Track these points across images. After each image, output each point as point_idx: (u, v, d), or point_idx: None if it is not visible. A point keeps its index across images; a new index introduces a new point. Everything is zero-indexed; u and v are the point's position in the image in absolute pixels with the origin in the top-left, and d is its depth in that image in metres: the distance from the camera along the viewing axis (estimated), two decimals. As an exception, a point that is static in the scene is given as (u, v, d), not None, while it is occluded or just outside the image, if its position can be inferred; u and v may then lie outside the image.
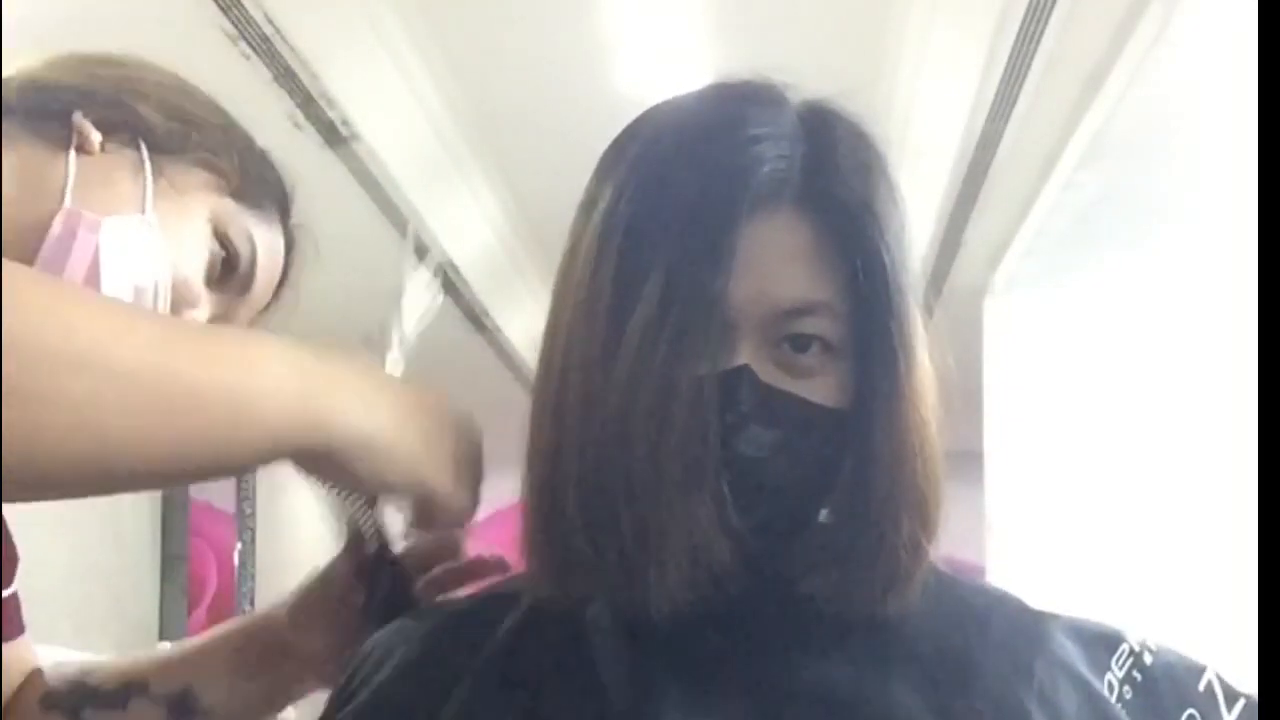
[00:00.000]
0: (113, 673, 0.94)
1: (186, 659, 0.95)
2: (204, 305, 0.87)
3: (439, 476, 0.76)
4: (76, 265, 0.80)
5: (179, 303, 0.84)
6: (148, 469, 0.62)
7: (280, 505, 5.17)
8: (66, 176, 0.81)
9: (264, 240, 0.89)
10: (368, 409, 0.71)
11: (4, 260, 0.56)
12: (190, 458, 0.63)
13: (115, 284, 0.81)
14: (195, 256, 0.86)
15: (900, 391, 0.69)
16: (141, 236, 0.82)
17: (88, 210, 0.81)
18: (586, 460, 0.67)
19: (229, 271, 0.87)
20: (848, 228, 0.69)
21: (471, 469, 0.79)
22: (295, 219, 0.94)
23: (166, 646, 0.99)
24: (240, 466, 0.68)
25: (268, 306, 0.92)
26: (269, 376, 0.66)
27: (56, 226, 0.80)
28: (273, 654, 0.94)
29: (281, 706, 0.97)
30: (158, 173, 0.84)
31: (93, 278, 0.80)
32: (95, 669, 0.95)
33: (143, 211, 0.83)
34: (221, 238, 0.87)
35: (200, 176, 0.86)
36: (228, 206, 0.87)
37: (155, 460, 0.62)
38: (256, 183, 0.89)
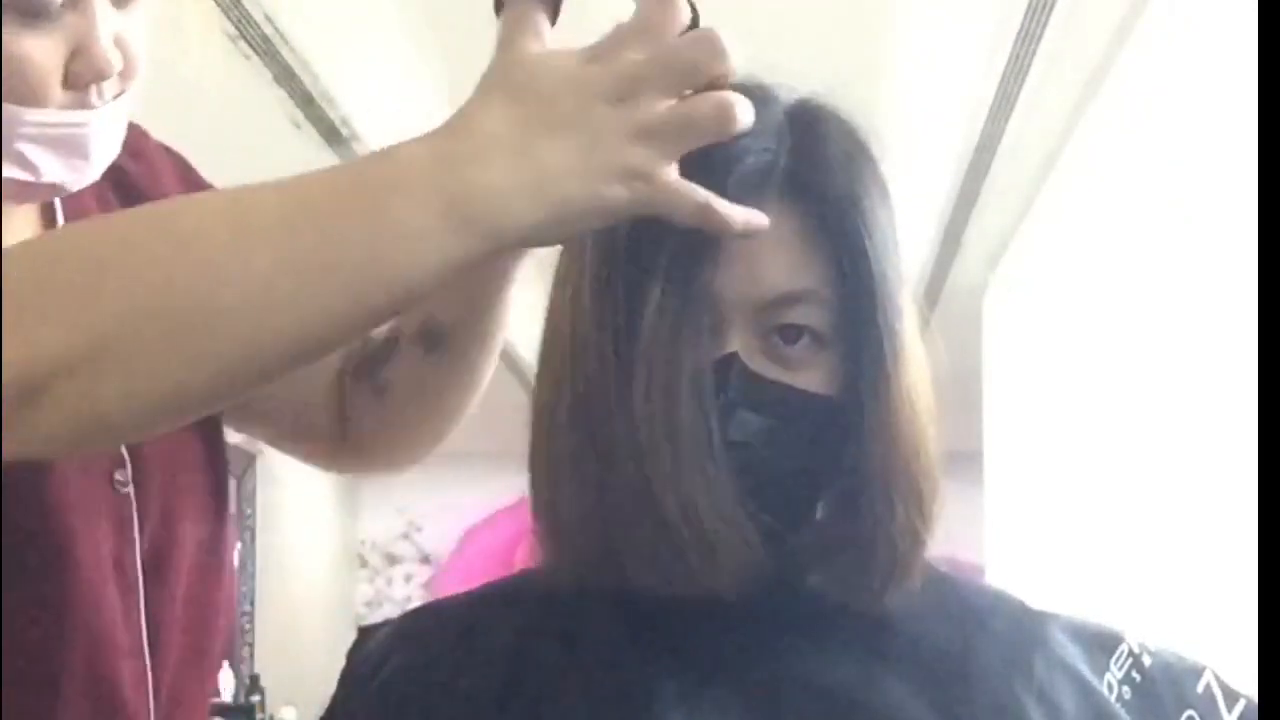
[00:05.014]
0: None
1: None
2: None
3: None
4: None
5: None
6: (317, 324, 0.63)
7: (280, 505, 5.18)
8: None
9: None
10: (518, 195, 0.62)
11: None
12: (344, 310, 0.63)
13: None
14: None
15: (888, 380, 0.69)
16: None
17: None
18: (601, 456, 0.68)
19: None
20: (833, 218, 0.70)
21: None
22: None
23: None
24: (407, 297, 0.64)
25: None
26: (407, 219, 0.62)
27: None
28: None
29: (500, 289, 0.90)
30: None
31: None
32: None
33: None
34: None
35: None
36: None
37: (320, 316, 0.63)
38: None
